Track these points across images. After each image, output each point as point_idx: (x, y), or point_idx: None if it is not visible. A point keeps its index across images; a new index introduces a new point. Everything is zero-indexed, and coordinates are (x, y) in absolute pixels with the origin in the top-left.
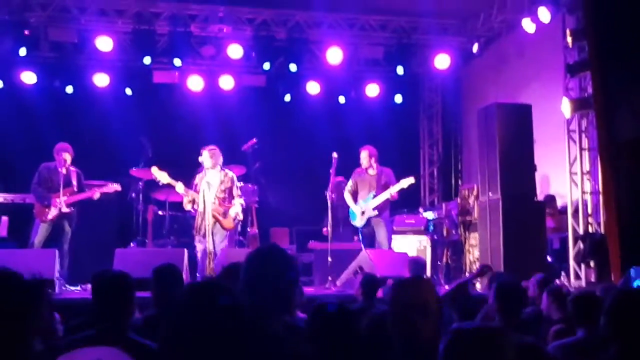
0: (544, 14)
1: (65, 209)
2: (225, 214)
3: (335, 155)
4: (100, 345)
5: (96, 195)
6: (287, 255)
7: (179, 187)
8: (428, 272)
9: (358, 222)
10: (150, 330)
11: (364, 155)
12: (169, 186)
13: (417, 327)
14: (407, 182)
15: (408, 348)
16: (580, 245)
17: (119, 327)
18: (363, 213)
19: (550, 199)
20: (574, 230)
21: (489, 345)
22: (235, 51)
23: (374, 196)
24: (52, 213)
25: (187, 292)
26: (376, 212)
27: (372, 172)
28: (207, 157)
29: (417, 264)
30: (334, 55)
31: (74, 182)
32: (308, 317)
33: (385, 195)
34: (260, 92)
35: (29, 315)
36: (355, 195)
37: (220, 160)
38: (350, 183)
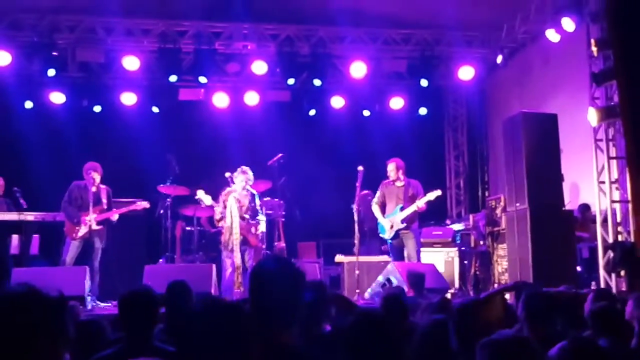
0: (568, 24)
1: (95, 227)
2: (251, 231)
3: (360, 168)
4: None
5: (114, 217)
6: (289, 263)
7: (217, 209)
8: (456, 283)
9: (387, 234)
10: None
11: (391, 168)
12: (206, 206)
13: None
14: (434, 194)
15: None
16: (610, 254)
17: (145, 339)
18: (392, 226)
19: (585, 208)
20: (603, 240)
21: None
22: (259, 67)
23: (402, 209)
24: (82, 231)
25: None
26: (404, 225)
27: (399, 183)
28: (241, 177)
29: (415, 277)
30: (358, 70)
31: (104, 200)
32: (351, 322)
33: (412, 208)
34: (285, 107)
35: (57, 330)
36: (383, 207)
37: (251, 179)
38: (377, 194)
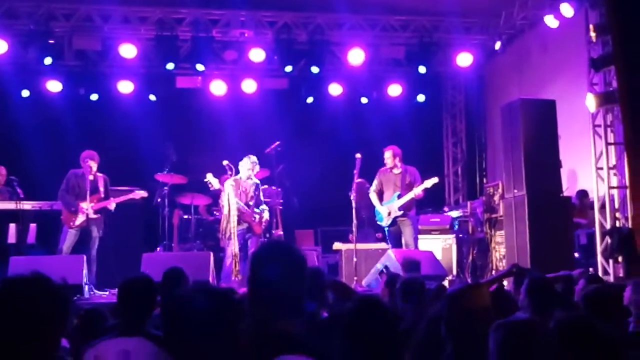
0: (567, 10)
1: (92, 215)
2: (255, 219)
3: (358, 156)
4: (123, 336)
5: (112, 205)
6: (292, 247)
7: (224, 194)
8: (454, 270)
9: (384, 222)
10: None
11: (387, 155)
12: (214, 189)
13: (479, 332)
14: (431, 182)
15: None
16: (608, 240)
17: (139, 325)
18: (389, 214)
19: (583, 194)
20: (601, 226)
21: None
22: (257, 55)
23: (399, 196)
24: (80, 219)
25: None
26: (402, 212)
27: (396, 171)
28: (247, 165)
29: (410, 263)
30: (356, 56)
31: (101, 189)
32: (349, 308)
33: (409, 196)
34: (283, 95)
35: (61, 318)
36: (380, 195)
37: (257, 169)
38: (375, 182)
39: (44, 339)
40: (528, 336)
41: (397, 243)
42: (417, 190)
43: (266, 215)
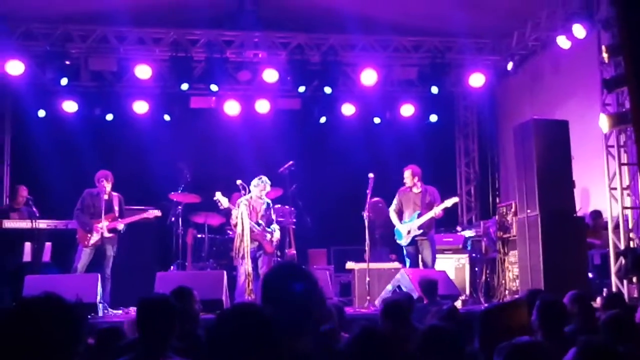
0: (579, 31)
1: (107, 234)
2: (266, 238)
3: (371, 175)
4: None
5: (120, 226)
6: (302, 269)
7: (234, 212)
8: (467, 290)
9: (403, 240)
10: None
11: (407, 175)
12: (223, 208)
13: None
14: (451, 201)
15: None
16: (622, 260)
17: (161, 348)
18: (409, 232)
19: (596, 214)
20: (615, 246)
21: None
22: (270, 75)
23: (419, 215)
24: (94, 238)
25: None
26: (421, 231)
27: (416, 190)
28: (259, 186)
29: (428, 284)
30: (368, 77)
31: (116, 208)
32: (352, 338)
33: (429, 215)
34: (296, 115)
35: (74, 337)
36: (400, 214)
37: (267, 189)
38: (395, 201)
39: (58, 358)
40: (531, 358)
41: (415, 262)
42: (437, 210)
43: (277, 234)
